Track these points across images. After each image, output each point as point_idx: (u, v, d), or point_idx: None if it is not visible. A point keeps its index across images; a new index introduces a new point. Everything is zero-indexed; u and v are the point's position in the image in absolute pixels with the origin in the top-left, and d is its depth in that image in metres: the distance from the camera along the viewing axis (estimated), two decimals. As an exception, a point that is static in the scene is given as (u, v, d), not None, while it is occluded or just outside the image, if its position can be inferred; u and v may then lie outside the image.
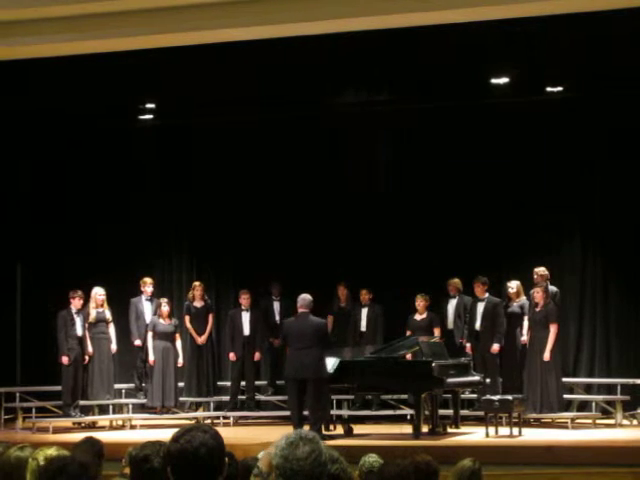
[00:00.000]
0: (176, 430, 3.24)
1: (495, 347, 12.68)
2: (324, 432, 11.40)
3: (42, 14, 9.37)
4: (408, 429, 11.68)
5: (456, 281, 13.35)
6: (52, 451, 3.85)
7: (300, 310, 11.45)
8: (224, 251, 14.97)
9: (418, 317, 13.25)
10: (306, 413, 11.31)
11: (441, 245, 13.84)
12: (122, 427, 13.31)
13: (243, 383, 13.81)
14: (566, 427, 12.08)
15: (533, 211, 13.77)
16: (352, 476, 4.35)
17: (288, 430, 3.33)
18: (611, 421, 12.43)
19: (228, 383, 13.93)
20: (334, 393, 12.34)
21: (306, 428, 10.22)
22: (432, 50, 12.19)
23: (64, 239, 14.66)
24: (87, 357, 13.20)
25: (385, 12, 9.12)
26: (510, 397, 11.38)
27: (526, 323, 12.61)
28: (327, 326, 11.55)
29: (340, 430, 11.93)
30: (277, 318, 13.96)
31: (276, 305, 14.11)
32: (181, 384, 13.72)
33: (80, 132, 14.75)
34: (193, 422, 11.31)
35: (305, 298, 11.46)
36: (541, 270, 12.67)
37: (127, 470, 4.60)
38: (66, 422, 13.12)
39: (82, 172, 14.83)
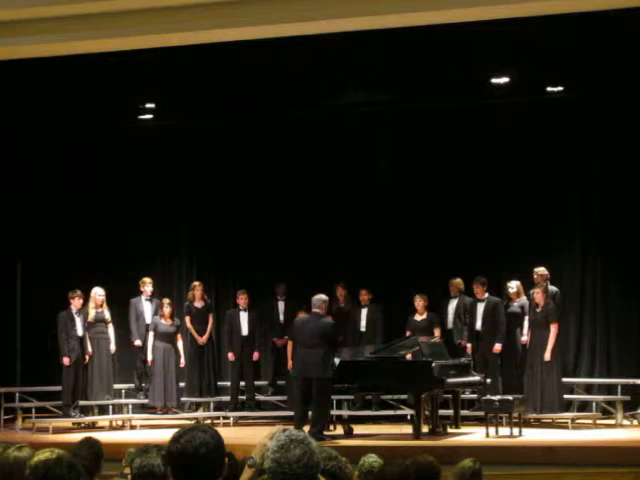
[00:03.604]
0: (176, 430, 3.23)
1: (497, 347, 12.67)
2: (324, 432, 11.39)
3: (39, 14, 9.34)
4: (408, 429, 11.66)
5: (458, 281, 13.32)
6: (48, 454, 3.81)
7: (312, 310, 11.51)
8: (224, 251, 14.97)
9: (418, 317, 13.23)
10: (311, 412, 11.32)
11: (441, 245, 13.82)
12: (122, 427, 13.31)
13: (242, 383, 13.81)
14: (566, 427, 12.08)
15: (533, 211, 13.76)
16: (349, 474, 4.33)
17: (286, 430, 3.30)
18: (611, 421, 12.43)
19: (228, 383, 13.92)
20: (334, 393, 12.31)
21: (306, 429, 10.22)
22: (432, 50, 12.17)
23: (64, 239, 14.65)
24: (87, 357, 13.20)
25: (384, 12, 9.09)
26: (510, 397, 11.37)
27: (526, 323, 12.61)
28: (333, 327, 11.50)
29: (340, 430, 11.93)
30: (281, 318, 13.97)
31: (280, 305, 14.11)
32: (181, 384, 13.71)
33: (80, 132, 14.74)
34: (193, 422, 11.30)
35: (314, 298, 11.52)
36: (541, 270, 12.67)
37: (127, 470, 4.59)
38: (66, 422, 13.11)
39: (82, 172, 14.81)
